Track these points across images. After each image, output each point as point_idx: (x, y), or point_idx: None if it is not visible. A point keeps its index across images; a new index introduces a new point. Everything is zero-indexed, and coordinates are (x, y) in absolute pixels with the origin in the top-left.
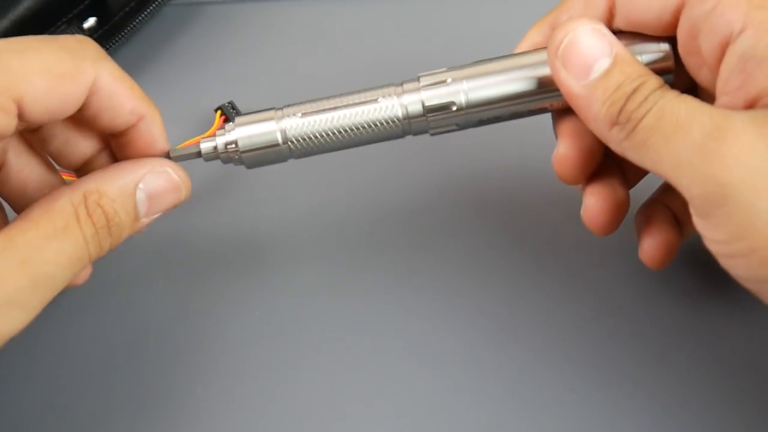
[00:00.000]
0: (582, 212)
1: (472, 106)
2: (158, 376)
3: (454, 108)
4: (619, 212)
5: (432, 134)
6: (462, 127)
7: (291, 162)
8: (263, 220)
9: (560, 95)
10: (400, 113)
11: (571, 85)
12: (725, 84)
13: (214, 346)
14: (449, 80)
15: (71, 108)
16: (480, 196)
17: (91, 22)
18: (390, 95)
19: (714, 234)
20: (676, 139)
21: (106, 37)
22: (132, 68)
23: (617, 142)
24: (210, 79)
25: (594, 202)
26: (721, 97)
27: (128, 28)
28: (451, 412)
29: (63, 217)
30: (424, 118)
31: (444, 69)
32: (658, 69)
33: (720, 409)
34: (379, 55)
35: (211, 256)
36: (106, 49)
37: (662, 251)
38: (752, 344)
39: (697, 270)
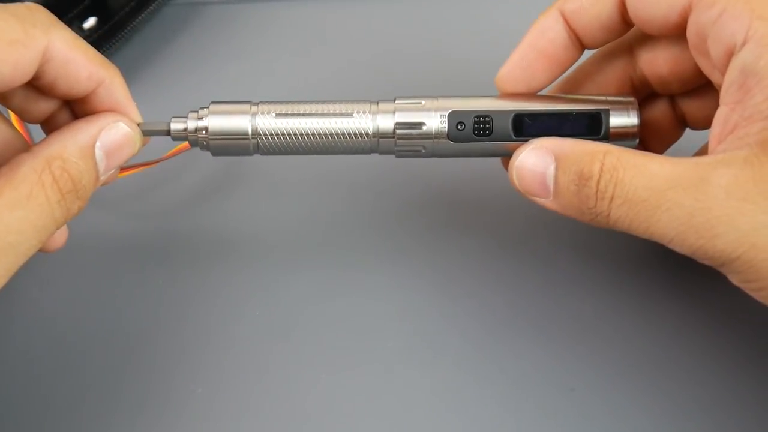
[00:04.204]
0: None
1: (441, 135)
2: (158, 376)
3: (423, 128)
4: None
5: (397, 156)
6: (429, 153)
7: (291, 162)
8: (263, 220)
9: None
10: (370, 128)
11: (546, 204)
12: (725, 94)
13: (213, 346)
14: (423, 103)
15: (23, 76)
16: (479, 196)
17: (91, 22)
18: (364, 111)
19: (733, 277)
20: (656, 220)
21: (106, 37)
22: (132, 68)
23: (605, 227)
24: (210, 79)
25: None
26: (722, 107)
27: (128, 28)
28: (450, 412)
29: (26, 185)
30: (393, 136)
31: (423, 96)
32: (625, 132)
33: (720, 409)
34: (379, 55)
35: (211, 256)
36: (106, 49)
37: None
38: (753, 345)
39: (698, 269)
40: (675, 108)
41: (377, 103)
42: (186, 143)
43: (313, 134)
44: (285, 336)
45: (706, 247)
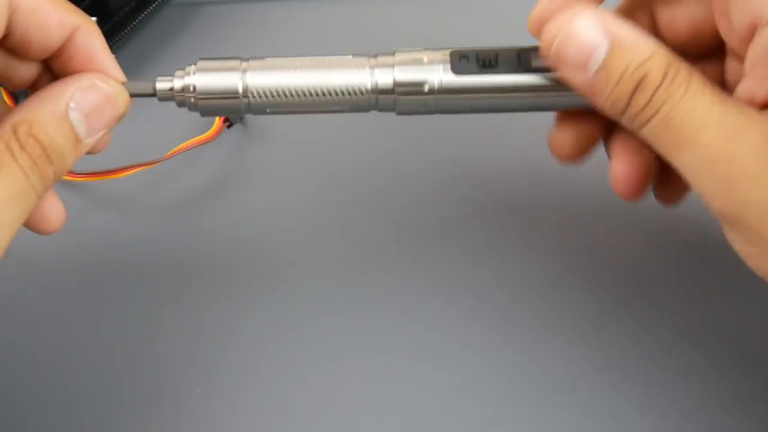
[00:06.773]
0: (610, 178)
1: (444, 91)
2: (158, 376)
3: (426, 89)
4: (647, 176)
5: (398, 113)
6: (430, 111)
7: (292, 162)
8: (263, 221)
9: (541, 95)
10: (369, 85)
11: (573, 78)
12: (750, 69)
13: (214, 346)
14: (425, 60)
15: None
16: (481, 195)
17: None
18: (362, 65)
19: (731, 237)
20: (681, 149)
21: (106, 37)
22: (132, 68)
23: (629, 127)
24: None
25: (621, 168)
26: (746, 80)
27: (128, 28)
28: (451, 411)
29: None
30: (393, 94)
31: (423, 48)
32: None
33: (720, 409)
34: None
35: (212, 256)
36: None
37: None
38: (753, 344)
39: (699, 269)
40: None
41: (375, 56)
42: (185, 143)
43: (307, 90)
44: (285, 336)
45: (716, 195)
